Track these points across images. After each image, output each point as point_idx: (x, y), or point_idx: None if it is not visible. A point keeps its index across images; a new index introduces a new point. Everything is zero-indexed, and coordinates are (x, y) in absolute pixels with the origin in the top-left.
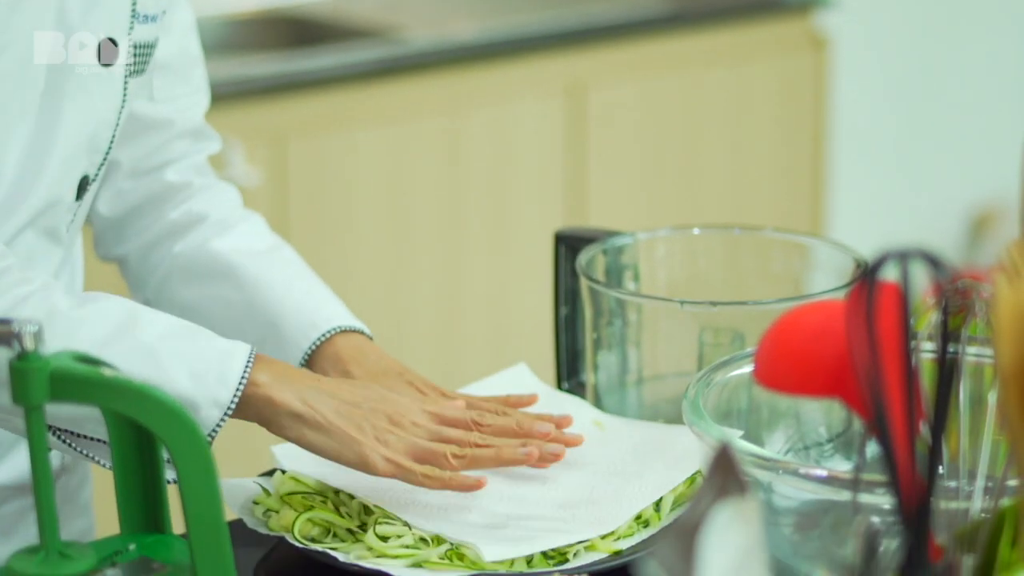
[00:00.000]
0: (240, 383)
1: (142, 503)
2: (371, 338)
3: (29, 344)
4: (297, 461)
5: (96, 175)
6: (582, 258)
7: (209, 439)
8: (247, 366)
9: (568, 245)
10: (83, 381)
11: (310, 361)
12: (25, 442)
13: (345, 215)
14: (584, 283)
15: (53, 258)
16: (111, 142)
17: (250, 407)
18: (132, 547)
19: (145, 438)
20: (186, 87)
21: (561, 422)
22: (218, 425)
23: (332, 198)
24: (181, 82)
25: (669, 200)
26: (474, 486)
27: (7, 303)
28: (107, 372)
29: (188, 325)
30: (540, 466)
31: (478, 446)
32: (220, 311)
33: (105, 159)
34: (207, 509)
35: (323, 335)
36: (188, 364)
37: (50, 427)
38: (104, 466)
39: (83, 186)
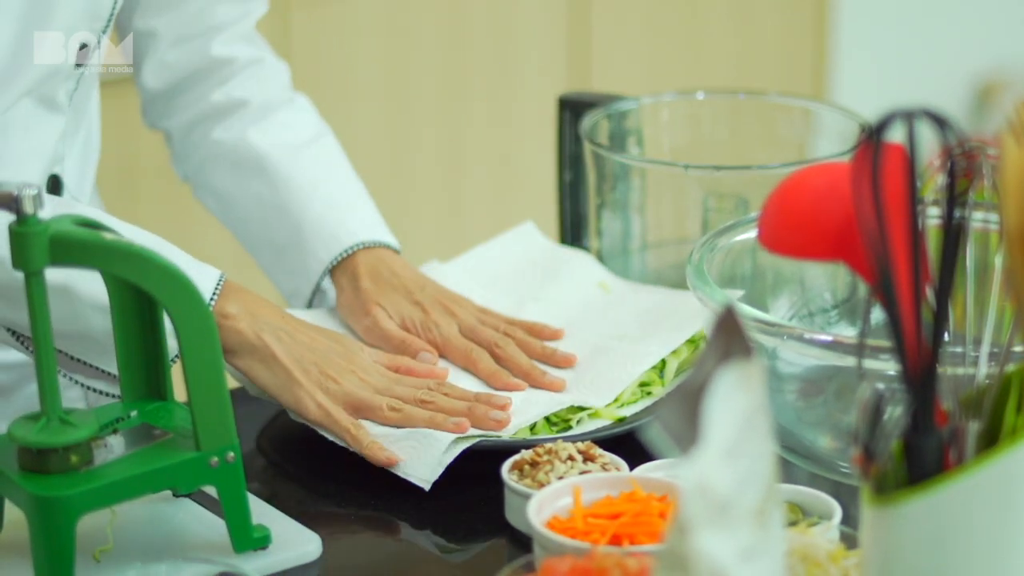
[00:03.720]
0: None
1: (143, 370)
2: (397, 251)
3: (28, 208)
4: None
5: (98, 43)
6: (586, 123)
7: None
8: (213, 296)
9: (572, 110)
10: (83, 245)
11: (332, 272)
12: None
13: (346, 83)
14: (588, 148)
15: (52, 127)
16: (113, 8)
17: None
18: (134, 414)
19: (146, 304)
20: None
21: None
22: (175, 358)
23: (333, 66)
24: None
25: (672, 64)
26: (383, 462)
27: None
28: (107, 236)
29: (162, 246)
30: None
31: (423, 402)
32: (253, 206)
33: (107, 26)
34: (208, 375)
35: (345, 251)
36: None
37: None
38: (66, 376)
39: (84, 53)
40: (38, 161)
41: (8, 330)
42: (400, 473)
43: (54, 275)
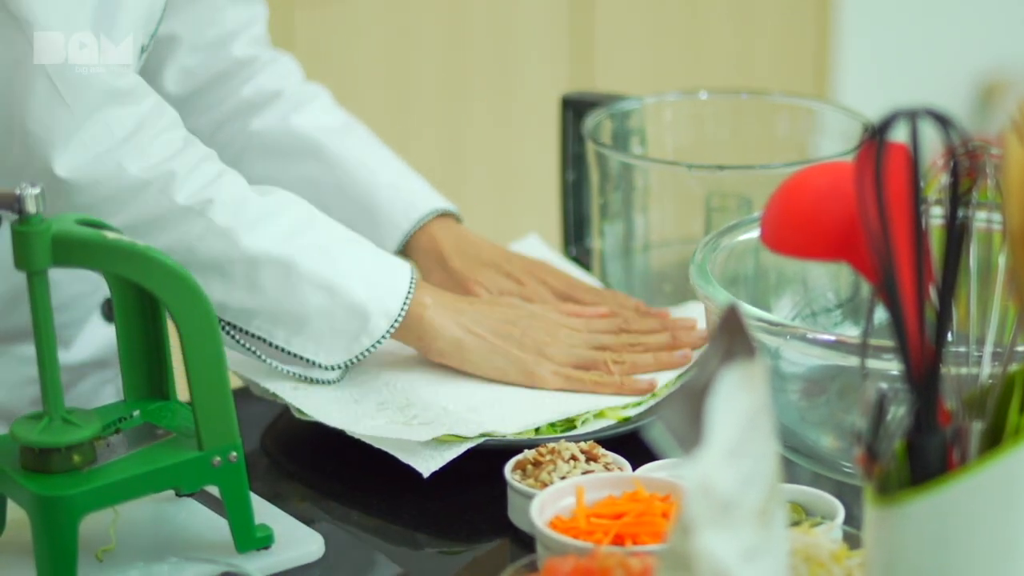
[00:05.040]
0: (407, 297)
1: (146, 369)
2: (460, 220)
3: (31, 207)
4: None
5: (147, 45)
6: (588, 122)
7: (367, 352)
8: (411, 282)
9: (575, 110)
10: (85, 244)
11: (406, 248)
12: (97, 320)
13: (347, 82)
14: (591, 148)
15: None
16: (162, 11)
17: (411, 329)
18: (136, 414)
19: (148, 303)
20: None
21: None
22: (381, 338)
23: (335, 66)
24: None
25: (675, 63)
26: (647, 389)
27: (203, 179)
28: (109, 235)
29: (355, 235)
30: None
31: (632, 347)
32: (307, 191)
33: (156, 30)
34: (211, 374)
35: (423, 217)
36: (363, 271)
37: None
38: (265, 361)
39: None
40: None
41: None
42: (402, 458)
43: (278, 248)
